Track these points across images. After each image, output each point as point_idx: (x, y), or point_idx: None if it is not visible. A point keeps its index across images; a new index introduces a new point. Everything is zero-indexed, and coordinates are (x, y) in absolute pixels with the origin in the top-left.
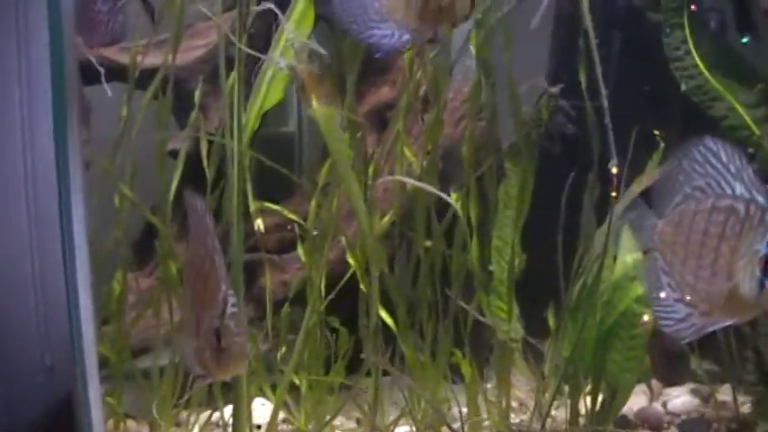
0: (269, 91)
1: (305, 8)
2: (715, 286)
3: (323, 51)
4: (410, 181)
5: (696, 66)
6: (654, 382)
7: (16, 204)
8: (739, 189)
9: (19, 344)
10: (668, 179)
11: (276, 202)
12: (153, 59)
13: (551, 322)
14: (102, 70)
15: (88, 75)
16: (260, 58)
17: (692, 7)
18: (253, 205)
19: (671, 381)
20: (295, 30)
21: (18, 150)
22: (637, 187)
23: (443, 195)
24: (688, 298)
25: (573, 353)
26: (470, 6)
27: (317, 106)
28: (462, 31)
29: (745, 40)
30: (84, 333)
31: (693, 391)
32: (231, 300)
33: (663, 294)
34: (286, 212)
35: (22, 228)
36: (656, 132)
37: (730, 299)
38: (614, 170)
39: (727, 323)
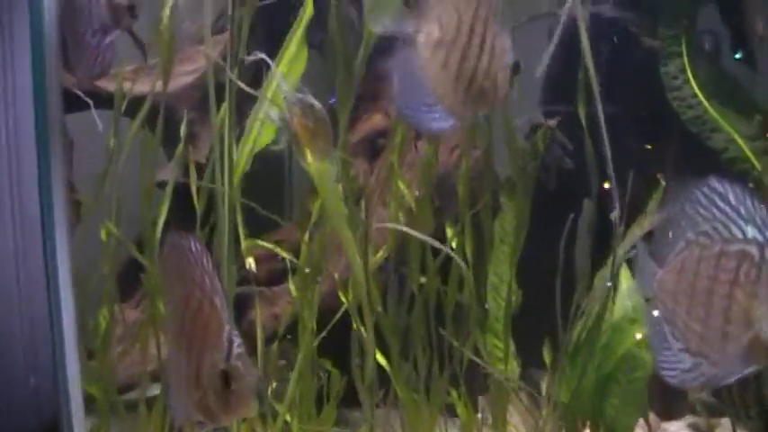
0: (261, 131)
1: (297, 49)
2: (730, 334)
3: (317, 104)
4: (404, 228)
5: (695, 95)
6: (651, 417)
7: (1, 225)
8: (751, 232)
9: (4, 364)
10: (669, 224)
11: (265, 228)
12: (141, 86)
13: (547, 358)
14: (90, 101)
15: (73, 102)
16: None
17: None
18: (244, 243)
19: (669, 415)
20: (287, 71)
21: (4, 169)
22: (638, 230)
23: (438, 244)
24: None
25: (572, 399)
26: (507, 88)
27: (311, 161)
28: None
29: (738, 56)
30: (67, 360)
31: (692, 426)
32: (237, 340)
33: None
34: (278, 250)
35: (7, 250)
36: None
37: (749, 346)
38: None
39: (745, 371)
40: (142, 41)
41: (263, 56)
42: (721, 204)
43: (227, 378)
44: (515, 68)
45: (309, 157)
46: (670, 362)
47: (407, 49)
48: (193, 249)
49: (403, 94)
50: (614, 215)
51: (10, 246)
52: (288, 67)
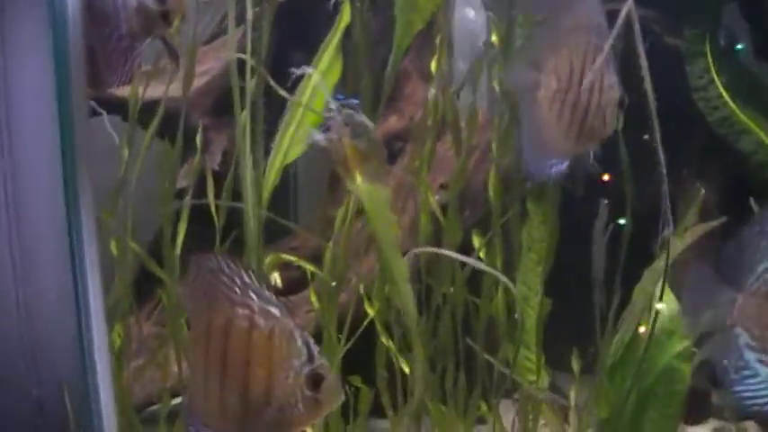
0: (292, 143)
1: (332, 59)
2: None
3: (370, 123)
4: (436, 250)
5: (720, 96)
6: None
7: None
8: None
9: (4, 376)
10: (743, 247)
11: (277, 234)
12: (151, 91)
13: (575, 367)
14: (102, 109)
15: None
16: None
17: None
18: (268, 258)
19: (693, 419)
20: (321, 81)
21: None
22: (680, 242)
23: (471, 261)
24: None
25: (611, 415)
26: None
27: (361, 184)
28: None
29: (740, 46)
30: (99, 380)
31: (717, 430)
32: (311, 340)
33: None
34: (301, 261)
35: (4, 258)
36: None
37: None
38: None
39: None
40: (176, 50)
41: (309, 70)
42: None
43: (315, 380)
44: (621, 102)
45: (359, 180)
46: (758, 389)
47: (529, 103)
48: (225, 269)
49: (528, 145)
50: (667, 233)
51: (8, 262)
52: (321, 77)
